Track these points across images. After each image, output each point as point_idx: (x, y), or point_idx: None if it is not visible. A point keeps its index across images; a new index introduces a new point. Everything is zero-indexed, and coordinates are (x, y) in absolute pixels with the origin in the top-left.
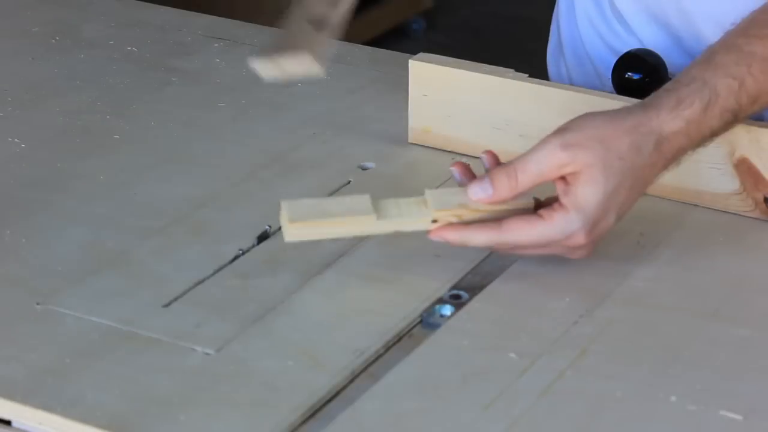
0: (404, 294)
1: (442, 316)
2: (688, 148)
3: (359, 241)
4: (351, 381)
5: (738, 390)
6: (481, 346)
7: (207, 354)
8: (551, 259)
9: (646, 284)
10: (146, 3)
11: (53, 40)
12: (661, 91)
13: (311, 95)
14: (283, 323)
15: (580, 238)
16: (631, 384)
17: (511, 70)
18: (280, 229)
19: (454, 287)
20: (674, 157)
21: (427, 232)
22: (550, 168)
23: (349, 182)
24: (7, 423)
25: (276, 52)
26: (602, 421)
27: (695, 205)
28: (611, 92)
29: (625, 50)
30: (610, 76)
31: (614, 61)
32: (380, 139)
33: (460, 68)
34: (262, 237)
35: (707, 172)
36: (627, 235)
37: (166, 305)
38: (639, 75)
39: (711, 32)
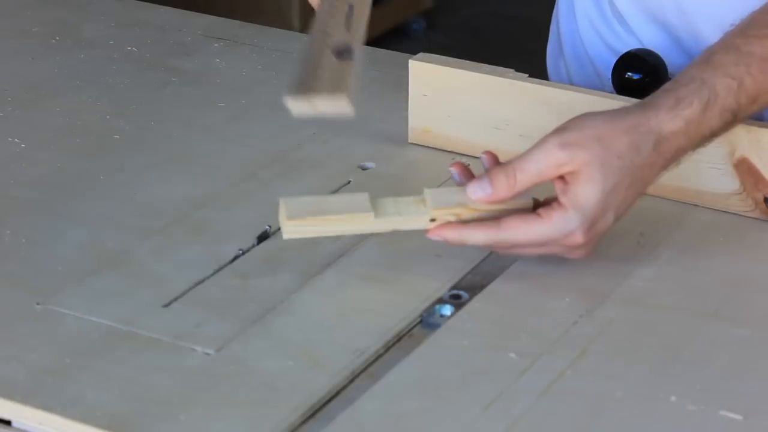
0: (404, 294)
1: (442, 316)
2: (687, 148)
3: (359, 241)
4: (351, 381)
5: (738, 390)
6: (481, 346)
7: (207, 354)
8: (551, 259)
9: (646, 284)
10: (146, 3)
11: (53, 40)
12: (660, 91)
13: None
14: (283, 323)
15: (579, 237)
16: (631, 384)
17: (511, 70)
18: (279, 229)
19: (454, 287)
20: (673, 157)
21: (426, 230)
22: (549, 167)
23: (349, 182)
24: (7, 423)
25: (311, 91)
26: (602, 421)
27: (695, 205)
28: (611, 92)
29: (625, 50)
30: (610, 76)
31: (614, 61)
32: (380, 139)
33: (460, 68)
34: (262, 237)
35: (707, 172)
36: (627, 235)
37: (166, 305)
38: (639, 75)
39: (710, 32)
